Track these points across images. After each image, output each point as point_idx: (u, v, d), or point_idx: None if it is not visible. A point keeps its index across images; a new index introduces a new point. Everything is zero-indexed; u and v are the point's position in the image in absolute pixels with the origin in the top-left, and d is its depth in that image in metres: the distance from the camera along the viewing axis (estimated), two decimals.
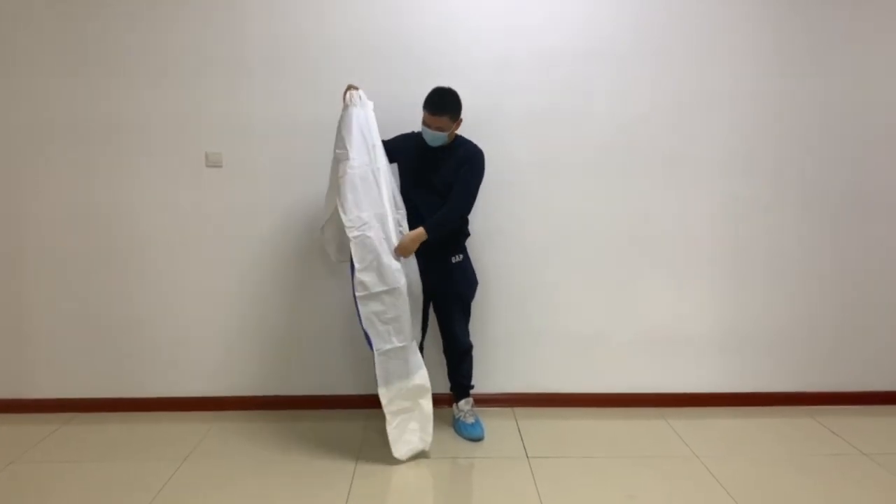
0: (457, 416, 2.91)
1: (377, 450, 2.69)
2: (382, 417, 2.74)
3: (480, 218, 2.84)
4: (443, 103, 2.56)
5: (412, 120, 2.76)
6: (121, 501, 2.32)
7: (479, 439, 2.80)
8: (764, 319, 3.17)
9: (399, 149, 2.73)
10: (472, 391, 2.94)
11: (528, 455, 2.68)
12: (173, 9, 2.86)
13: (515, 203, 3.02)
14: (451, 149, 2.68)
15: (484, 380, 3.07)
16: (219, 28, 2.88)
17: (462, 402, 2.90)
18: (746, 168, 3.05)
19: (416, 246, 2.60)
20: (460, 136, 2.73)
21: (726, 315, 3.16)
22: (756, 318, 3.16)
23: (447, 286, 2.76)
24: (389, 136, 2.79)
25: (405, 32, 2.91)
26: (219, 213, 2.99)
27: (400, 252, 2.58)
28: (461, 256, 2.78)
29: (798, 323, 3.18)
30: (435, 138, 2.61)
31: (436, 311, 2.83)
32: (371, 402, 3.05)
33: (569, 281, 3.10)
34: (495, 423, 2.95)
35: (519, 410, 3.11)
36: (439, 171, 2.67)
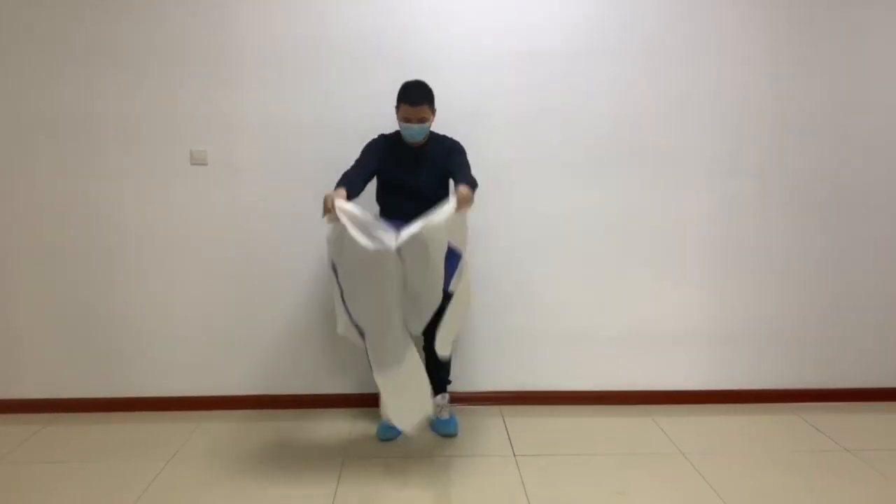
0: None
1: (364, 449, 2.69)
2: (369, 417, 2.74)
3: (469, 215, 2.84)
4: (420, 92, 2.52)
5: None
6: (105, 502, 2.30)
7: (452, 435, 2.81)
8: (751, 317, 3.19)
9: (374, 160, 2.62)
10: (459, 389, 2.94)
11: (516, 453, 2.69)
12: (159, 5, 2.83)
13: (503, 201, 3.01)
14: (427, 148, 2.64)
15: (471, 378, 3.07)
16: (205, 25, 2.85)
17: (438, 398, 2.89)
18: (735, 166, 3.07)
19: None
20: (433, 133, 2.68)
21: (713, 313, 3.18)
22: (743, 315, 3.19)
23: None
24: (378, 125, 2.77)
25: (395, 31, 2.90)
26: (204, 210, 2.97)
27: (464, 205, 2.37)
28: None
29: (784, 321, 3.20)
30: (420, 131, 2.56)
31: None
32: (358, 401, 3.06)
33: (556, 279, 3.11)
34: (482, 422, 2.95)
35: (506, 409, 3.11)
36: (421, 176, 2.62)
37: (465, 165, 2.62)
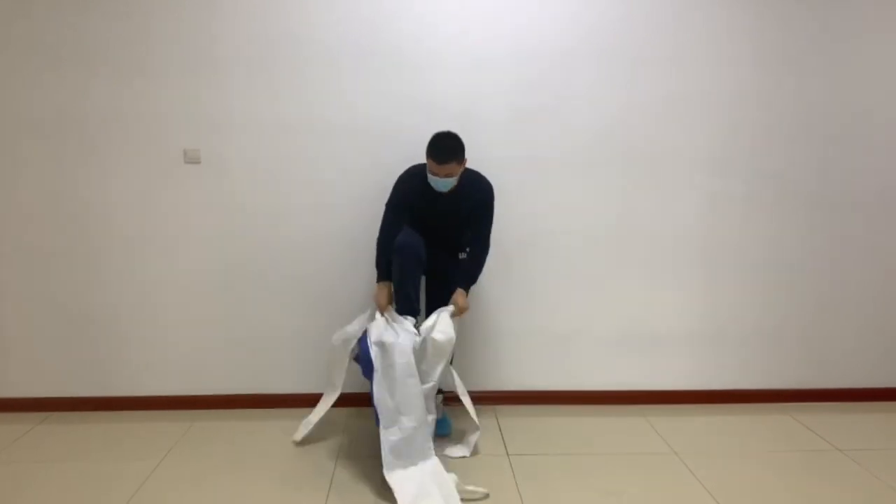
0: None
1: (357, 448, 2.69)
2: (363, 416, 2.73)
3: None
4: (448, 151, 2.47)
5: (393, 115, 2.84)
6: (97, 501, 2.30)
7: (444, 435, 2.81)
8: (743, 317, 3.20)
9: (406, 209, 2.68)
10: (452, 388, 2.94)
11: (509, 453, 2.69)
12: (151, 4, 2.81)
13: (496, 200, 3.00)
14: (456, 192, 2.61)
15: (465, 378, 3.04)
16: (198, 24, 2.83)
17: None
18: (723, 167, 3.07)
19: (466, 300, 2.66)
20: (467, 171, 2.64)
21: (706, 313, 3.19)
22: (735, 316, 3.20)
23: (451, 275, 2.74)
24: (373, 128, 2.82)
25: (387, 29, 2.88)
26: (196, 209, 2.96)
27: (462, 313, 2.64)
28: (466, 254, 2.79)
29: (776, 321, 3.22)
30: (446, 185, 2.54)
31: (430, 300, 2.82)
32: (351, 401, 3.05)
33: (548, 279, 3.11)
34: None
35: (500, 408, 3.11)
36: (451, 215, 2.65)
37: (481, 240, 2.69)
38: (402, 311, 2.61)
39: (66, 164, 2.89)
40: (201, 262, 3.00)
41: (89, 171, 2.91)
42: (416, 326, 2.57)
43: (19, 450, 2.70)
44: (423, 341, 2.50)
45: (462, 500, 2.30)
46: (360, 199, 2.93)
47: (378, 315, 2.59)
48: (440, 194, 2.60)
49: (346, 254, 2.99)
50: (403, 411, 2.41)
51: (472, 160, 2.72)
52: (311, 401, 3.08)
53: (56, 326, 3.01)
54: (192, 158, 2.90)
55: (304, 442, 2.76)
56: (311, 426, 2.75)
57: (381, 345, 2.46)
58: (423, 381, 2.49)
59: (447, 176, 2.50)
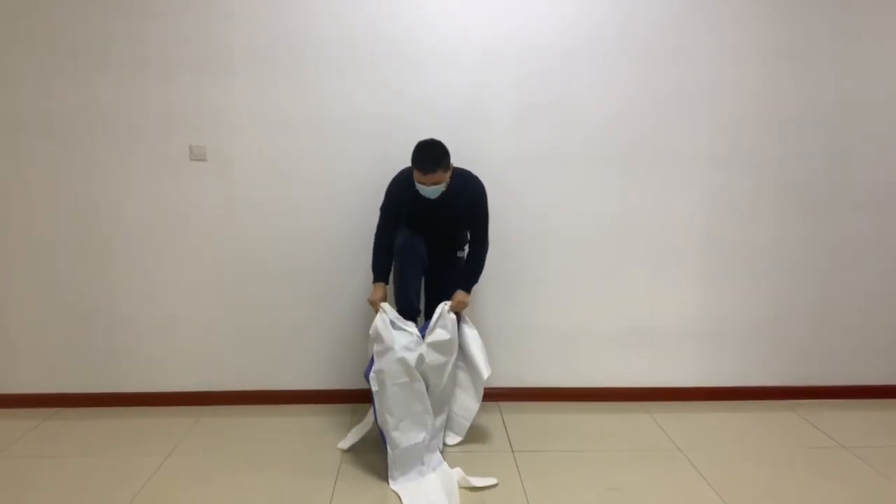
0: None
1: (362, 444, 2.69)
2: (367, 411, 2.74)
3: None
4: (433, 160, 2.46)
5: (394, 113, 2.86)
6: (105, 496, 2.31)
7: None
8: (747, 314, 3.20)
9: (400, 202, 2.67)
10: None
11: (514, 449, 2.70)
12: (155, 3, 2.83)
13: (498, 199, 2.98)
14: (450, 192, 2.59)
15: None
16: (204, 21, 2.85)
17: None
18: (727, 164, 3.07)
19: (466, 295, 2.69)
20: (455, 171, 2.62)
21: (709, 309, 3.19)
22: (739, 312, 3.20)
23: (449, 274, 2.76)
24: (375, 125, 2.85)
25: (392, 27, 2.89)
26: (203, 206, 2.97)
27: (461, 306, 2.66)
28: (466, 251, 2.80)
29: (781, 317, 3.21)
30: (434, 192, 2.53)
31: (428, 300, 2.84)
32: (357, 397, 3.06)
33: (552, 276, 3.12)
34: (481, 418, 2.94)
35: (504, 405, 3.13)
36: (446, 215, 2.64)
37: (479, 242, 2.71)
38: (402, 312, 2.62)
39: (73, 162, 2.91)
40: (208, 258, 3.02)
41: (96, 169, 2.92)
42: (417, 328, 2.59)
43: (27, 445, 2.72)
44: (427, 346, 2.51)
45: (470, 490, 2.37)
46: (363, 194, 2.93)
47: (379, 321, 2.52)
48: (431, 199, 2.60)
49: (350, 249, 2.99)
50: (405, 429, 2.43)
51: (474, 158, 2.74)
52: (317, 397, 3.12)
53: (64, 322, 3.03)
54: (197, 156, 2.92)
55: (309, 436, 2.78)
56: (357, 436, 2.73)
57: (380, 370, 2.45)
58: (433, 384, 2.52)
59: (434, 184, 2.50)
